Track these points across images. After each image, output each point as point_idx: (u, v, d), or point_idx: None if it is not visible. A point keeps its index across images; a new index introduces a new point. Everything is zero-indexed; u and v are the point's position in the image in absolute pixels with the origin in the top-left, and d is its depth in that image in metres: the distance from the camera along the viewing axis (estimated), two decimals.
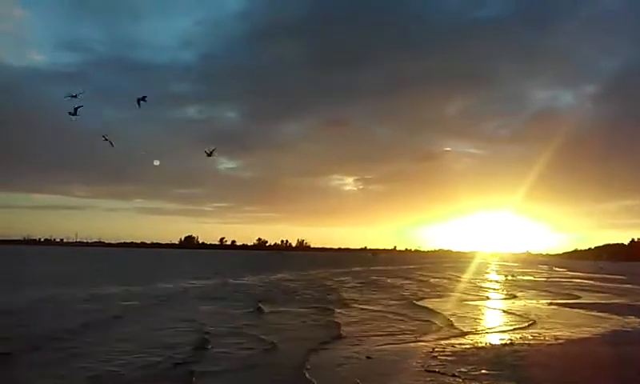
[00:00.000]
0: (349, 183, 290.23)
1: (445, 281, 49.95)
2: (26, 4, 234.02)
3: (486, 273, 69.23)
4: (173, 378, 11.33)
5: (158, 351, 13.79)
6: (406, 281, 48.05)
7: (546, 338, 16.60)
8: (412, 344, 15.38)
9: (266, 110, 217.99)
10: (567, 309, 25.43)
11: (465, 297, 32.08)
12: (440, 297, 31.78)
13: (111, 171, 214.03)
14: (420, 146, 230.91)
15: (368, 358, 13.27)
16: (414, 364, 12.59)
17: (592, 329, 18.88)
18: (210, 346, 14.65)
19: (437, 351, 14.08)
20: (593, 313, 23.83)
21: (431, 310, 24.41)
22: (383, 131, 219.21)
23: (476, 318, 21.72)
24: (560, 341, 16.25)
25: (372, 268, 75.33)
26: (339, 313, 22.42)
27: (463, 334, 17.36)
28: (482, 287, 41.76)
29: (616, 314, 23.16)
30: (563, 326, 19.26)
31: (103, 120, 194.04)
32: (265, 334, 16.62)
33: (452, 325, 19.62)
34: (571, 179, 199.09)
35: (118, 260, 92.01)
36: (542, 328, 18.81)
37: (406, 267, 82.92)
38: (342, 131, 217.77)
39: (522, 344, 15.53)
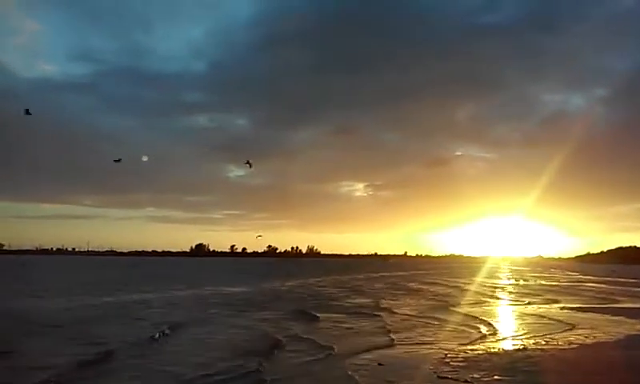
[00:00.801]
0: (359, 189, 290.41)
1: (453, 287, 49.74)
2: (38, 17, 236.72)
3: (497, 278, 68.85)
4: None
5: (230, 357, 14.27)
6: (415, 285, 47.85)
7: (560, 343, 16.48)
8: (425, 349, 15.34)
9: (276, 118, 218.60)
10: (580, 313, 25.25)
11: (476, 301, 31.95)
12: (450, 302, 31.64)
13: (122, 180, 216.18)
14: (430, 152, 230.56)
15: (380, 364, 13.26)
16: (427, 370, 12.57)
17: (606, 333, 18.71)
18: (276, 352, 14.96)
19: (449, 357, 14.03)
20: (606, 317, 23.66)
21: (442, 314, 24.42)
22: (393, 137, 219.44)
23: (488, 324, 21.58)
24: (573, 346, 16.12)
25: (383, 274, 75.17)
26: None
27: (476, 340, 17.31)
28: (493, 292, 41.50)
29: (630, 318, 22.96)
30: (576, 331, 19.12)
31: (115, 129, 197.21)
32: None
33: (464, 329, 19.60)
34: (583, 183, 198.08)
35: (146, 268, 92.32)
36: (554, 333, 18.68)
37: (414, 272, 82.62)
38: (352, 138, 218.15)
39: (535, 349, 15.43)
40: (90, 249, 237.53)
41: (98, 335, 17.63)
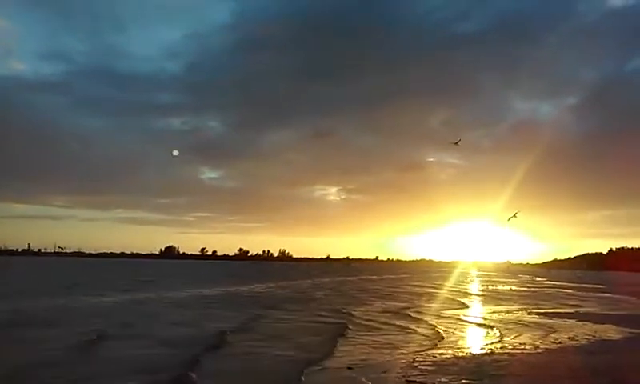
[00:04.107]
0: (332, 193, 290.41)
1: (422, 291, 50.09)
2: (8, 15, 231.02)
3: (467, 283, 69.59)
4: None
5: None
6: (378, 293, 48.02)
7: (526, 348, 16.68)
8: (393, 353, 15.35)
9: (251, 121, 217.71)
10: (547, 318, 25.61)
11: (445, 306, 32.18)
12: (419, 306, 31.79)
13: (92, 181, 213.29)
14: (403, 157, 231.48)
15: (349, 368, 13.22)
16: (395, 374, 12.57)
17: (571, 338, 19.02)
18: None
19: (417, 361, 14.07)
20: (572, 322, 24.05)
21: (411, 319, 24.53)
22: (367, 142, 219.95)
23: (456, 328, 21.75)
24: (539, 350, 16.34)
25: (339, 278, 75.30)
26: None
27: (444, 344, 17.39)
28: (462, 297, 41.89)
29: (594, 323, 23.40)
30: (542, 336, 19.38)
31: (86, 130, 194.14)
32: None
33: (432, 334, 19.70)
34: (551, 189, 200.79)
35: (106, 270, 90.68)
36: (522, 337, 18.91)
37: (376, 278, 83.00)
38: (326, 142, 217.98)
39: (503, 354, 15.59)
40: (57, 250, 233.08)
41: None
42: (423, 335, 19.52)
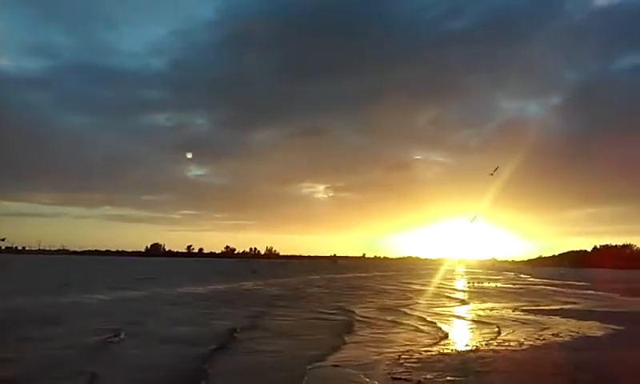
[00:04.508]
0: (319, 191, 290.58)
1: (410, 288, 50.27)
2: None
3: (453, 280, 69.92)
4: None
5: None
6: (364, 291, 48.09)
7: (511, 344, 16.77)
8: (378, 350, 15.37)
9: (238, 118, 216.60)
10: (531, 315, 25.79)
11: (431, 303, 32.30)
12: (404, 304, 31.89)
13: (78, 178, 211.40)
14: (391, 155, 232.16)
15: (334, 366, 13.20)
16: (380, 371, 12.57)
17: (555, 334, 19.16)
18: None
19: (403, 358, 14.09)
20: (556, 318, 24.24)
21: (396, 316, 24.59)
22: (355, 140, 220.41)
23: (442, 325, 21.83)
24: (524, 347, 16.44)
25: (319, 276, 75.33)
26: None
27: (429, 341, 17.44)
28: (448, 294, 42.09)
29: (578, 320, 23.61)
30: (527, 332, 19.50)
31: (72, 126, 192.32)
32: None
33: (418, 331, 19.76)
34: (537, 187, 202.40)
35: (83, 269, 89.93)
36: (506, 334, 19.02)
37: (364, 275, 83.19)
38: (314, 140, 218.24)
39: (487, 350, 15.66)
40: (41, 247, 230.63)
41: None
42: (410, 332, 19.57)
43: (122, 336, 17.48)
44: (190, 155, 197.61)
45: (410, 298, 36.50)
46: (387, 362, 13.54)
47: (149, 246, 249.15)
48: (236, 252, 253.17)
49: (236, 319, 22.36)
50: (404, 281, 64.32)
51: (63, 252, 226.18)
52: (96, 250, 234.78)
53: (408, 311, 27.05)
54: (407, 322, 22.73)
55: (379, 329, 20.42)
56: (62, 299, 31.01)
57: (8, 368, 12.72)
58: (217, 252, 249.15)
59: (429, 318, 23.88)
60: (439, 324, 22.03)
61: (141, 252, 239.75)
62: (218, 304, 29.67)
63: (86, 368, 12.59)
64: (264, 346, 16.08)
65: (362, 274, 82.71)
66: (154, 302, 30.26)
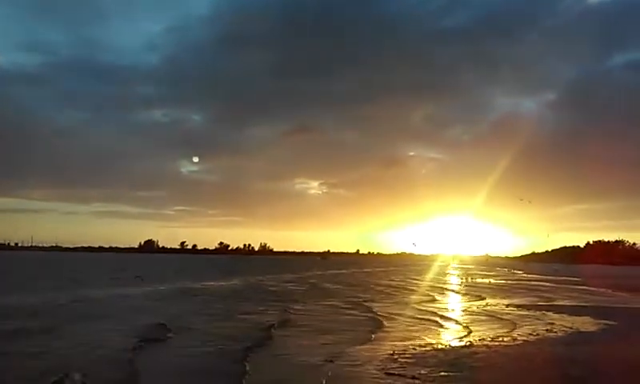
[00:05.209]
0: (313, 187, 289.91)
1: (403, 284, 50.39)
2: None
3: (446, 275, 70.10)
4: None
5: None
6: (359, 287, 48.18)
7: (504, 339, 16.82)
8: (372, 346, 15.36)
9: (233, 115, 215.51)
10: (525, 310, 25.88)
11: (425, 299, 32.39)
12: (399, 300, 31.96)
13: (72, 174, 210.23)
14: (385, 152, 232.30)
15: (329, 361, 13.18)
16: (374, 366, 12.56)
17: (548, 329, 19.23)
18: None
19: (397, 354, 14.09)
20: (549, 314, 24.32)
21: (389, 312, 24.63)
22: (349, 137, 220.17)
23: (435, 321, 21.88)
24: (517, 342, 16.48)
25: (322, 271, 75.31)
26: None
27: (424, 337, 17.43)
28: (442, 290, 42.19)
29: (571, 315, 23.71)
30: (521, 328, 19.56)
31: (65, 122, 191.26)
32: None
33: (410, 327, 19.80)
34: (529, 184, 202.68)
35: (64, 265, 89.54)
36: (500, 329, 19.07)
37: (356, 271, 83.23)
38: (308, 136, 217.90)
39: (481, 345, 15.68)
40: (33, 244, 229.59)
41: None
42: (404, 329, 19.61)
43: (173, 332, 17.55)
44: (196, 159, 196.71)
45: (405, 294, 36.57)
46: (381, 358, 13.50)
47: (142, 242, 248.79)
48: (230, 248, 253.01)
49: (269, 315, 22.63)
50: (398, 276, 64.48)
51: (56, 248, 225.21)
52: (89, 247, 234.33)
53: (400, 307, 27.07)
54: (401, 318, 22.74)
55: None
56: (88, 294, 31.52)
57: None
58: (210, 248, 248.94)
59: (423, 315, 23.92)
60: (433, 320, 22.13)
61: (134, 248, 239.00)
62: (245, 300, 29.90)
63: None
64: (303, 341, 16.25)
65: (369, 270, 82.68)
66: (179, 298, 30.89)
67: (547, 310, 25.83)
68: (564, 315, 23.72)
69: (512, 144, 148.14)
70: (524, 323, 20.89)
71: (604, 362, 13.89)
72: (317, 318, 22.52)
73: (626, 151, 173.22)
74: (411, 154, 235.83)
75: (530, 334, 18.02)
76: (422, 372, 11.91)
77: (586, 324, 21.10)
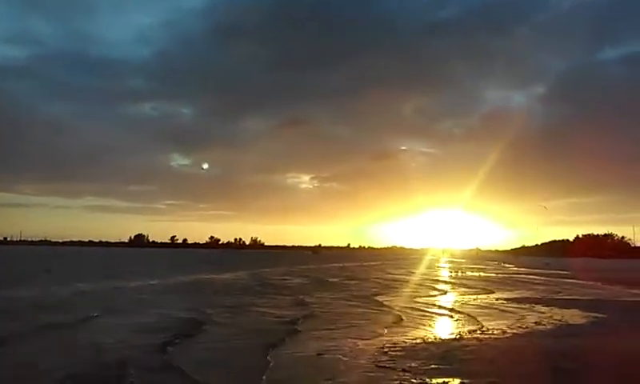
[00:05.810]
0: (305, 181, 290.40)
1: (395, 277, 50.49)
2: None
3: (437, 269, 70.32)
4: None
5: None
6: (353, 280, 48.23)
7: (495, 333, 16.86)
8: (363, 340, 15.35)
9: (223, 108, 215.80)
10: (515, 303, 25.98)
11: (416, 293, 32.45)
12: (391, 293, 32.01)
13: (61, 168, 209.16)
14: (377, 145, 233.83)
15: (319, 354, 13.15)
16: (365, 359, 12.54)
17: (538, 322, 19.31)
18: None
19: (387, 347, 14.08)
20: (539, 306, 24.43)
21: (382, 305, 24.64)
22: (342, 130, 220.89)
23: (426, 314, 21.92)
24: (507, 335, 16.53)
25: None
26: None
27: (414, 330, 17.46)
28: (432, 284, 42.30)
29: (560, 308, 23.81)
30: (511, 321, 19.63)
31: (55, 115, 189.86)
32: None
33: (402, 320, 19.81)
34: (520, 177, 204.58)
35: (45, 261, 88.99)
36: (490, 322, 19.11)
37: (348, 264, 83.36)
38: (300, 130, 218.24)
39: (471, 338, 15.72)
40: (22, 238, 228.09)
41: None
42: (393, 320, 19.62)
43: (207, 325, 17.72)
44: (206, 166, 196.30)
45: (396, 288, 36.64)
46: (372, 351, 13.49)
47: (132, 237, 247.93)
48: (221, 242, 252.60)
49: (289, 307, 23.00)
50: (392, 270, 64.62)
51: (45, 242, 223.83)
52: (79, 241, 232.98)
53: (392, 299, 27.12)
54: (390, 312, 22.76)
55: (361, 319, 20.35)
56: (106, 285, 32.14)
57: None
58: (201, 242, 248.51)
59: (413, 308, 23.95)
60: (423, 314, 22.15)
61: (124, 242, 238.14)
62: (258, 293, 29.99)
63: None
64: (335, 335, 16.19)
65: (363, 264, 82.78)
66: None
67: (537, 303, 25.93)
68: (554, 308, 23.81)
69: (502, 137, 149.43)
70: (514, 316, 20.96)
71: (593, 354, 13.94)
72: (335, 311, 22.41)
73: (615, 145, 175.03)
74: (402, 147, 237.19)
75: (520, 327, 18.09)
76: (413, 365, 11.86)
77: (575, 317, 21.19)
